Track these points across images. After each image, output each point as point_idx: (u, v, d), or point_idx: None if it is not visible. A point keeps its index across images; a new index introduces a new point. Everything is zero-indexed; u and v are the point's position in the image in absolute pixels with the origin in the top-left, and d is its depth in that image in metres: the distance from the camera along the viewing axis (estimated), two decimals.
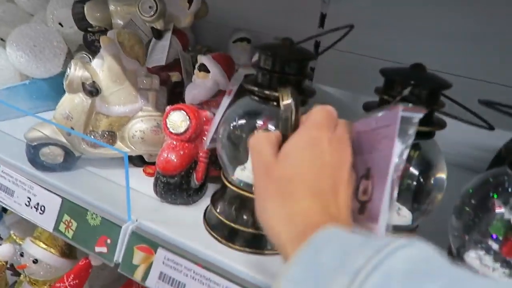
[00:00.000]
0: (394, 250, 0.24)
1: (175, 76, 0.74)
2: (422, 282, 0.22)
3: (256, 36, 0.96)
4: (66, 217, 0.55)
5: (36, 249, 0.75)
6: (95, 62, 0.59)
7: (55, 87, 0.79)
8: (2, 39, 0.83)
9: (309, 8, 0.93)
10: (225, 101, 0.56)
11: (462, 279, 0.22)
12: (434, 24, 0.77)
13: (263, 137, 0.36)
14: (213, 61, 0.60)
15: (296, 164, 0.32)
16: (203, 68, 0.60)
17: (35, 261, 0.76)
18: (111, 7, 0.73)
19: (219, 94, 0.61)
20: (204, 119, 0.57)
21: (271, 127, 0.48)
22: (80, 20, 0.75)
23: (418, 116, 0.31)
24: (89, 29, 0.78)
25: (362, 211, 0.35)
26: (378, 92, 0.45)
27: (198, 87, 0.61)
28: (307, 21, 0.94)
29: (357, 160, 0.39)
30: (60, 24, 0.78)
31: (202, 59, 0.60)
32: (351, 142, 0.37)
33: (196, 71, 0.61)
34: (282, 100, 0.39)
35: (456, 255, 0.42)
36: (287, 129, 0.37)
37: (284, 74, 0.47)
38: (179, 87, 0.77)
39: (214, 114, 0.58)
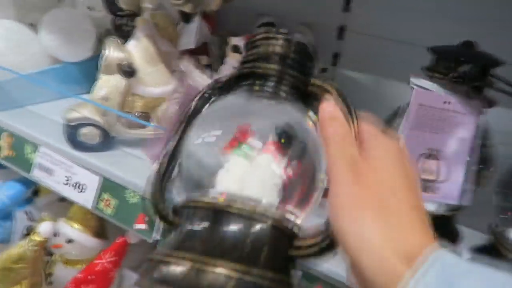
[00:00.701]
0: None
1: (203, 60, 0.74)
2: None
3: (281, 21, 0.95)
4: (105, 195, 0.56)
5: (70, 229, 0.77)
6: (131, 44, 0.60)
7: (84, 71, 0.80)
8: (31, 24, 0.84)
9: None
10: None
11: None
12: (466, 8, 0.76)
13: (343, 130, 0.30)
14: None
15: (394, 172, 0.28)
16: (236, 49, 0.61)
17: (69, 241, 0.78)
18: None
19: None
20: None
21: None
22: (110, 3, 0.76)
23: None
24: (118, 13, 0.78)
25: (428, 190, 0.37)
26: (428, 70, 0.45)
27: (231, 68, 0.61)
28: (331, 5, 0.93)
29: (414, 135, 0.40)
30: (89, 8, 0.79)
31: (235, 40, 0.61)
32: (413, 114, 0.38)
33: (229, 52, 0.62)
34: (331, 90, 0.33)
35: (499, 233, 0.42)
36: (352, 118, 0.31)
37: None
38: (207, 70, 0.78)
39: None
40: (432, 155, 0.42)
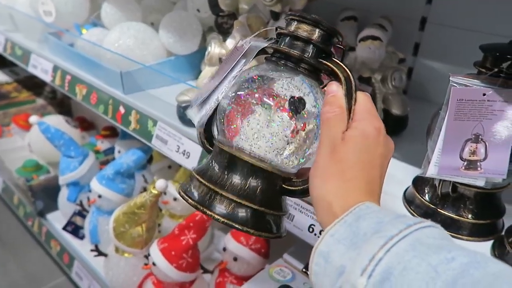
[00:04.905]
0: (421, 227, 0.31)
1: None
2: (439, 252, 0.28)
3: (364, 15, 1.02)
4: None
5: (174, 189, 0.96)
6: (229, 41, 0.74)
7: (191, 62, 0.98)
8: (152, 24, 1.04)
9: None
10: (236, 55, 0.45)
11: (474, 256, 0.28)
12: None
13: (338, 114, 0.38)
14: None
15: (360, 153, 0.37)
16: None
17: (175, 199, 0.98)
18: None
19: None
20: None
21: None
22: (214, 6, 0.91)
23: None
24: (220, 13, 0.94)
25: (473, 168, 0.47)
26: (476, 65, 0.51)
27: None
28: None
29: (457, 125, 0.48)
30: (197, 10, 0.95)
31: None
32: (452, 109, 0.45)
33: None
34: (342, 72, 0.40)
35: None
36: (351, 100, 0.39)
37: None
38: None
39: None
40: (476, 139, 0.48)
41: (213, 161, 0.43)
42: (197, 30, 0.92)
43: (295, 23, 0.42)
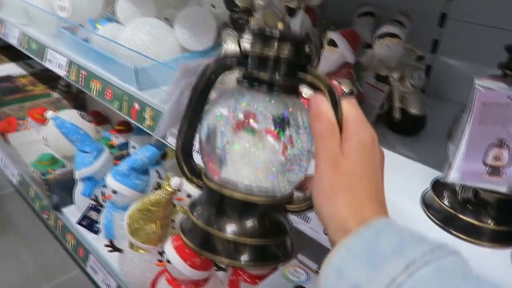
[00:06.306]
0: (446, 254, 0.29)
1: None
2: (465, 282, 0.28)
3: (381, 10, 1.00)
4: None
5: (188, 186, 0.96)
6: (246, 37, 0.73)
7: (206, 57, 0.97)
8: (167, 19, 1.03)
9: None
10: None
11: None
12: None
13: (330, 127, 0.36)
14: (341, 37, 0.69)
15: (363, 162, 0.36)
16: (332, 43, 0.70)
17: (189, 196, 0.98)
18: None
19: (344, 66, 0.71)
20: None
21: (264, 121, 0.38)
22: (229, 1, 0.90)
23: None
24: (235, 9, 0.93)
25: (496, 174, 0.47)
26: (502, 67, 0.50)
27: (326, 60, 0.71)
28: None
29: (481, 130, 0.46)
30: (212, 5, 0.94)
31: (332, 35, 0.70)
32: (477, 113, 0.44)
33: (325, 45, 0.71)
34: (323, 83, 0.37)
35: None
36: (337, 110, 0.36)
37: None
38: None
39: (339, 83, 0.68)
40: (500, 143, 0.47)
41: (206, 198, 0.41)
42: (212, 26, 0.91)
43: (260, 40, 0.37)
